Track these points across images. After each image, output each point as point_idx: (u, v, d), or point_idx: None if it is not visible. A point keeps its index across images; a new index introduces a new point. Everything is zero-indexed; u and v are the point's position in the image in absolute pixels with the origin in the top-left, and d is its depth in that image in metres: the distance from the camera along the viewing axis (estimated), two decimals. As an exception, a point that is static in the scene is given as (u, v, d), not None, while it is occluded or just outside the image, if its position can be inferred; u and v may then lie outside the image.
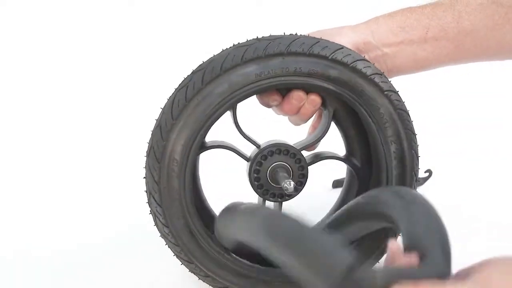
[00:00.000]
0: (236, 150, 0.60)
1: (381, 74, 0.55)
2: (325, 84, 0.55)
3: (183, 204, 0.56)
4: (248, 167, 0.58)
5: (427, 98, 1.19)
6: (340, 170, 0.72)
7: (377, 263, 0.60)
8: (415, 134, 0.58)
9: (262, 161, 0.57)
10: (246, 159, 0.60)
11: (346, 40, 0.56)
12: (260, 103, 0.59)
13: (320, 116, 0.64)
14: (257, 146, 0.59)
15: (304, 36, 0.54)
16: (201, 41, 1.40)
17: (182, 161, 0.54)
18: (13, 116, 1.30)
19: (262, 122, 0.85)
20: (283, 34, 0.54)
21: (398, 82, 0.58)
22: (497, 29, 0.57)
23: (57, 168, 1.04)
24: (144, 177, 0.56)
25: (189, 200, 0.57)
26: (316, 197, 0.77)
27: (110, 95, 1.35)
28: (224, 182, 0.86)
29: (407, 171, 0.58)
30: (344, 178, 0.67)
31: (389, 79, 0.56)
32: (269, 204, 0.61)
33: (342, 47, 0.54)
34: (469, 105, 1.21)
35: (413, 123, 0.58)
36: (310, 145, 0.61)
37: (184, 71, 0.55)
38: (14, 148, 1.14)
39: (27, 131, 1.22)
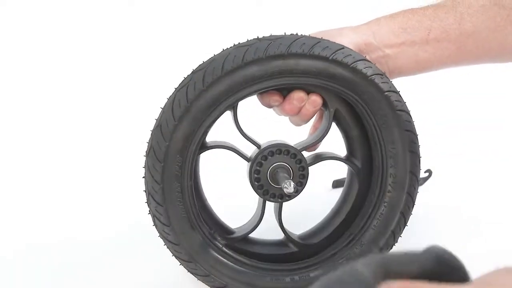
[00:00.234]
0: (237, 150, 0.60)
1: (382, 75, 0.55)
2: (326, 85, 0.55)
3: (186, 203, 0.56)
4: (249, 167, 0.58)
5: (427, 98, 1.18)
6: (340, 170, 0.72)
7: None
8: (416, 135, 0.58)
9: (263, 162, 0.57)
10: (247, 159, 0.60)
11: (347, 41, 0.56)
12: (261, 103, 0.59)
13: (321, 117, 0.64)
14: (258, 146, 0.59)
15: (305, 36, 0.54)
16: (201, 40, 1.40)
17: (184, 161, 0.54)
18: (13, 116, 1.29)
19: (262, 122, 0.85)
20: (284, 33, 0.54)
21: (398, 83, 0.58)
22: (499, 30, 0.57)
23: (57, 168, 1.04)
24: (143, 177, 0.56)
25: (191, 199, 0.57)
26: (316, 197, 0.77)
27: (109, 95, 1.35)
28: (224, 182, 0.86)
29: (406, 172, 0.58)
30: (344, 178, 0.67)
31: (391, 80, 0.56)
32: (270, 204, 0.61)
33: (342, 48, 0.54)
34: (469, 105, 1.21)
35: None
36: (311, 146, 0.61)
37: (184, 70, 0.55)
38: (14, 148, 1.14)
39: (27, 131, 1.22)
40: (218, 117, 0.55)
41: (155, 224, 0.57)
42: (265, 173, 0.58)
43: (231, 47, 0.54)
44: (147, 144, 0.55)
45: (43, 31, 1.46)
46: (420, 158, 0.59)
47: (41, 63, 1.42)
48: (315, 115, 0.62)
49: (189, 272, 0.59)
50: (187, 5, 1.54)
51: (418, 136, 0.59)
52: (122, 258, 0.71)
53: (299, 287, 0.60)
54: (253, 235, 0.63)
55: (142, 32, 1.50)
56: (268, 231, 0.64)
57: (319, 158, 0.62)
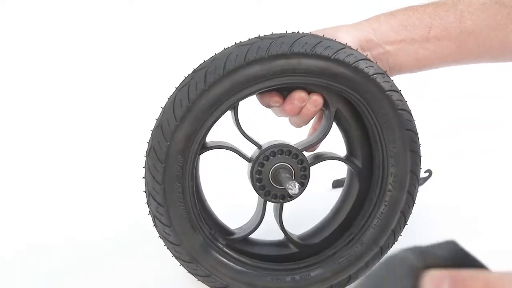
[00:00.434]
0: (237, 151, 0.60)
1: (383, 74, 0.55)
2: (328, 84, 0.55)
3: (187, 204, 0.56)
4: (250, 168, 0.58)
5: (427, 98, 1.19)
6: (340, 170, 0.72)
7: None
8: (417, 134, 0.58)
9: (264, 162, 0.57)
10: (248, 159, 0.59)
11: (349, 38, 0.56)
12: (261, 103, 0.59)
13: (320, 118, 0.64)
14: (259, 146, 0.59)
15: (307, 34, 0.54)
16: (201, 38, 1.40)
17: (185, 161, 0.54)
18: (13, 116, 1.29)
19: (262, 122, 0.85)
20: (285, 32, 0.54)
21: (399, 82, 0.58)
22: (500, 29, 0.57)
23: (57, 168, 1.03)
24: (144, 177, 0.56)
25: (192, 200, 0.57)
26: (316, 197, 0.77)
27: (109, 94, 1.35)
28: (223, 182, 0.86)
29: (407, 171, 0.58)
30: (344, 178, 0.67)
31: (391, 78, 0.56)
32: (270, 204, 0.61)
33: (344, 47, 0.54)
34: (469, 105, 1.21)
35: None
36: (312, 146, 0.61)
37: (185, 69, 0.55)
38: (14, 148, 1.14)
39: (27, 131, 1.22)
40: (220, 117, 0.55)
41: (155, 225, 0.57)
42: (266, 173, 0.57)
43: (232, 46, 0.53)
44: (148, 144, 0.55)
45: (43, 31, 1.45)
46: (421, 157, 0.59)
47: (41, 64, 1.41)
48: (315, 116, 0.62)
49: (189, 273, 0.59)
50: (187, 4, 1.54)
51: (419, 135, 0.59)
52: (122, 259, 0.71)
53: (300, 286, 0.60)
54: (253, 235, 0.63)
55: (142, 31, 1.50)
56: (268, 232, 0.64)
57: (319, 158, 0.61)
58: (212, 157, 0.63)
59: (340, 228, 0.63)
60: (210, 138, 0.59)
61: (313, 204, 0.74)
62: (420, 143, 0.59)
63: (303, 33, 0.54)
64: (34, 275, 0.69)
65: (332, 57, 0.53)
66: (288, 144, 0.58)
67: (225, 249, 0.60)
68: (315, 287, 0.60)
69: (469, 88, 1.25)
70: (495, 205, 0.81)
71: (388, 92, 0.55)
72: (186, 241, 0.57)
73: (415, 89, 0.74)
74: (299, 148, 0.59)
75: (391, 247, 0.61)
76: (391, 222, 0.60)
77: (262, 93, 0.57)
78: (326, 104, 0.58)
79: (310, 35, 0.54)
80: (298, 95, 0.56)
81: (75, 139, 1.16)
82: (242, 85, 0.53)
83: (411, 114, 0.57)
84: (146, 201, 0.56)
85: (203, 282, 0.60)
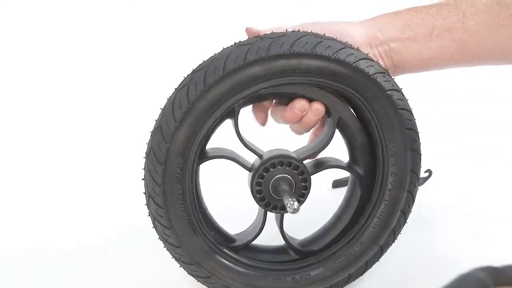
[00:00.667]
0: (237, 160, 0.59)
1: (384, 73, 0.55)
2: (328, 83, 0.54)
3: (187, 206, 0.56)
4: (250, 178, 0.57)
5: (428, 98, 1.18)
6: (340, 170, 0.72)
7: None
8: (417, 133, 0.58)
9: (264, 174, 0.56)
10: (248, 169, 0.59)
11: (359, 33, 0.56)
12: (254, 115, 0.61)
13: (322, 124, 0.63)
14: (259, 156, 0.58)
15: (307, 34, 0.53)
16: (199, 39, 1.39)
17: (185, 163, 0.54)
18: (13, 117, 1.29)
19: (262, 128, 0.85)
20: (285, 30, 0.53)
21: (400, 82, 0.58)
22: (502, 30, 0.57)
23: (57, 169, 1.03)
24: (143, 179, 0.56)
25: (192, 202, 0.57)
26: (316, 197, 0.76)
27: (108, 95, 1.35)
28: (223, 187, 0.86)
29: (407, 170, 0.58)
30: (344, 178, 0.67)
31: (394, 78, 0.56)
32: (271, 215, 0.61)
33: (344, 47, 0.53)
34: (470, 105, 1.21)
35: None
36: (313, 154, 0.60)
37: (184, 70, 0.54)
38: (14, 148, 1.14)
39: (27, 131, 1.22)
40: (219, 119, 0.55)
41: (155, 226, 0.57)
42: (267, 185, 0.56)
43: (231, 45, 0.53)
44: (147, 145, 0.55)
45: (43, 31, 1.45)
46: (421, 156, 0.59)
47: (41, 64, 1.41)
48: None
49: (189, 274, 0.59)
50: (187, 4, 1.54)
51: (419, 134, 0.58)
52: (122, 260, 0.71)
53: (300, 286, 0.60)
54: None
55: (141, 31, 1.49)
56: (268, 239, 0.63)
57: (320, 166, 0.60)
58: (212, 165, 0.63)
59: (341, 235, 0.62)
60: (210, 145, 0.59)
61: (313, 204, 0.73)
62: (420, 142, 0.59)
63: (303, 32, 0.53)
64: (34, 276, 0.68)
65: (333, 57, 0.53)
66: (289, 155, 0.57)
67: (225, 250, 0.59)
68: (316, 287, 0.60)
69: (470, 89, 1.24)
70: (495, 205, 0.81)
71: (388, 92, 0.55)
72: (186, 242, 0.57)
73: (416, 88, 0.74)
74: (300, 157, 0.58)
75: (390, 246, 0.61)
76: (391, 221, 0.59)
77: (255, 106, 0.59)
78: (328, 112, 0.58)
79: (311, 34, 0.53)
80: (299, 104, 0.56)
81: (75, 140, 1.16)
82: (242, 86, 0.52)
83: (412, 114, 0.57)
84: (146, 203, 0.56)
85: (203, 283, 0.59)
